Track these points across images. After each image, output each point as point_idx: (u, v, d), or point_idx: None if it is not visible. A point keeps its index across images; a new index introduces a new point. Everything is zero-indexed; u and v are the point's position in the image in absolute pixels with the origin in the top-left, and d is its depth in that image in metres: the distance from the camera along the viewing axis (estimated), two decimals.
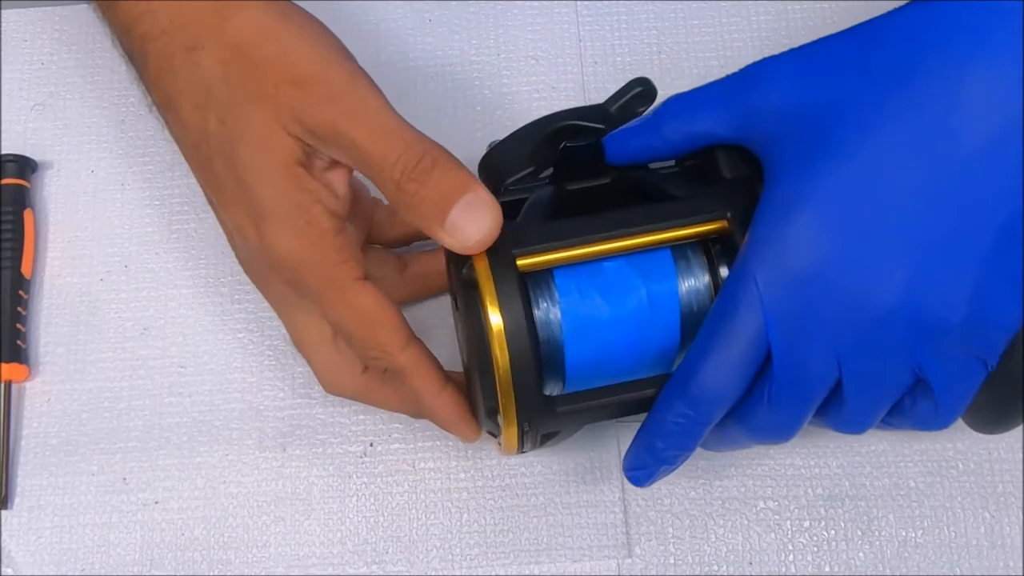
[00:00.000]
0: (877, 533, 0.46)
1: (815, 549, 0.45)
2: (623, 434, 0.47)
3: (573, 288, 0.38)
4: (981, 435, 0.46)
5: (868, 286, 0.34)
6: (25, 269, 0.49)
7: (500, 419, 0.38)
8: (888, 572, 0.45)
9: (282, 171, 0.39)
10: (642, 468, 0.39)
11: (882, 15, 0.35)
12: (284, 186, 0.39)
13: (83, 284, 0.50)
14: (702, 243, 0.39)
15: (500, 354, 0.36)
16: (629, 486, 0.46)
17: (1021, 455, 0.46)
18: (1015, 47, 0.33)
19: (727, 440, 0.39)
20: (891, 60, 0.34)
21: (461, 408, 0.42)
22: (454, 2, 0.54)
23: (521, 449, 0.40)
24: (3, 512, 0.47)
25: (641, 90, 0.41)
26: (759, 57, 0.52)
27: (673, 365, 0.40)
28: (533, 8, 0.54)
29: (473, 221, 0.36)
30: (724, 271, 0.39)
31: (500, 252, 0.37)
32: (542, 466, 0.47)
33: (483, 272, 0.37)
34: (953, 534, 0.46)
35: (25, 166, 0.51)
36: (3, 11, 0.55)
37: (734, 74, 0.38)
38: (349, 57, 0.40)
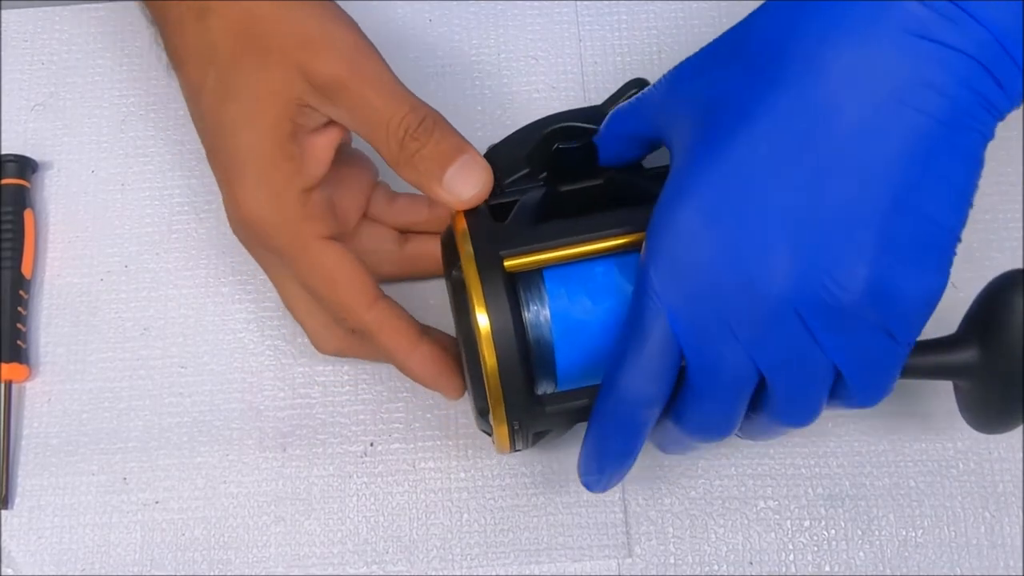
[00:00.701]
0: (877, 533, 0.46)
1: (815, 549, 0.45)
2: None
3: (562, 291, 0.38)
4: (981, 435, 0.46)
5: (757, 274, 0.33)
6: (25, 269, 0.49)
7: (491, 418, 0.38)
8: (888, 572, 0.45)
9: (266, 130, 0.40)
10: (590, 474, 0.39)
11: (753, 13, 0.36)
12: (263, 144, 0.40)
13: (83, 284, 0.50)
14: None
15: (488, 355, 0.36)
16: (629, 486, 0.46)
17: (1021, 455, 0.46)
18: (873, 18, 0.32)
19: (672, 440, 0.39)
20: (762, 46, 0.34)
21: (439, 363, 0.43)
22: (454, 2, 0.54)
23: (514, 448, 0.40)
24: (3, 512, 0.47)
25: (637, 91, 0.41)
26: None
27: None
28: (533, 8, 0.54)
29: (468, 180, 0.39)
30: None
31: (488, 254, 0.37)
32: (542, 466, 0.47)
33: (471, 274, 0.37)
34: (953, 534, 0.46)
35: (25, 166, 0.51)
36: (3, 11, 0.55)
37: (663, 79, 0.38)
38: (356, 26, 0.42)
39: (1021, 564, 0.45)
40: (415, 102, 0.40)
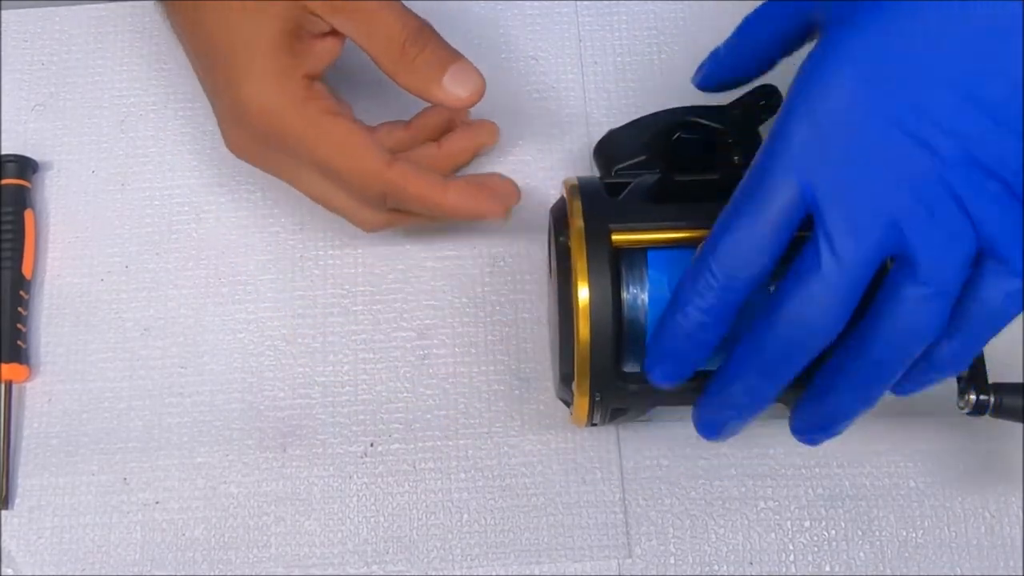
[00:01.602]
0: (877, 533, 0.46)
1: (815, 549, 0.45)
2: (624, 434, 0.47)
3: (663, 278, 0.38)
4: (980, 435, 0.46)
5: (919, 138, 0.32)
6: (25, 269, 0.49)
7: (574, 387, 0.39)
8: (888, 572, 0.45)
9: (271, 23, 0.42)
10: (667, 359, 0.36)
11: None
12: (268, 36, 0.42)
13: (83, 284, 0.50)
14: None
15: (583, 327, 0.37)
16: (629, 486, 0.46)
17: (1021, 455, 0.46)
18: None
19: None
20: None
21: (475, 190, 0.44)
22: (454, 2, 0.54)
23: (591, 421, 0.40)
24: (3, 512, 0.47)
25: (765, 102, 0.42)
26: None
27: None
28: (533, 8, 0.54)
29: (465, 82, 0.44)
30: None
31: (597, 228, 0.38)
32: (542, 466, 0.47)
33: (577, 244, 0.38)
34: (953, 534, 0.46)
35: (26, 166, 0.51)
36: (3, 11, 0.55)
37: None
38: None
39: (1021, 564, 0.45)
40: (411, 14, 0.43)
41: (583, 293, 0.38)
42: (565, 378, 0.40)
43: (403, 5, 0.43)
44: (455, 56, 0.44)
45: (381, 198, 0.44)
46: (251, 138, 0.44)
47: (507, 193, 0.46)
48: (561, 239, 0.40)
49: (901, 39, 0.33)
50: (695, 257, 0.35)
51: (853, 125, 0.33)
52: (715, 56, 0.42)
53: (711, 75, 0.42)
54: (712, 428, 0.37)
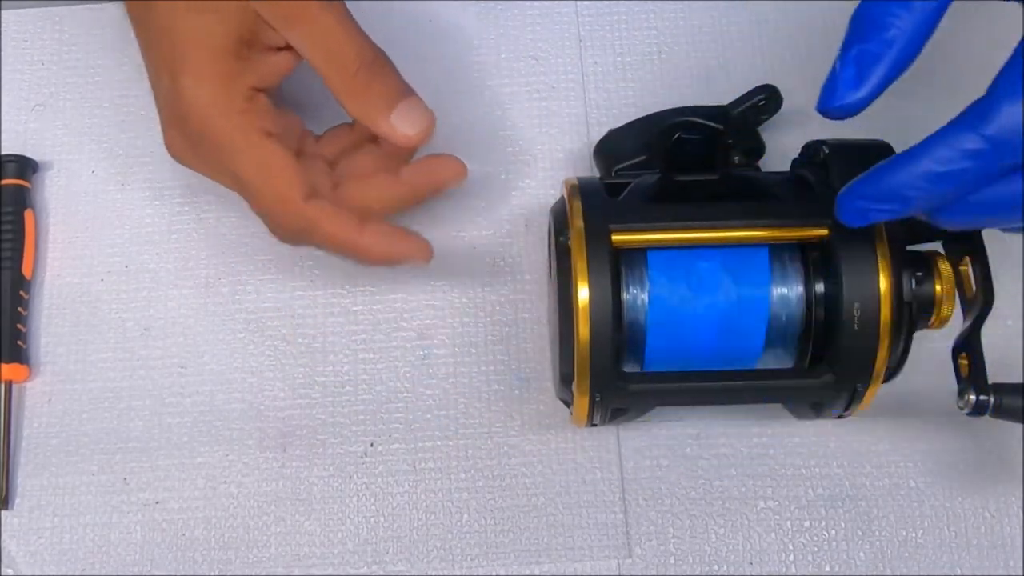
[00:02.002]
0: (877, 533, 0.46)
1: (815, 549, 0.45)
2: (624, 434, 0.47)
3: (664, 279, 0.39)
4: (980, 435, 0.46)
5: None
6: (26, 269, 0.49)
7: (574, 387, 0.39)
8: (888, 572, 0.45)
9: (223, 22, 0.41)
10: (880, 200, 0.34)
11: None
12: (218, 33, 0.41)
13: (83, 284, 0.50)
14: (801, 250, 0.39)
15: (583, 327, 0.37)
16: (629, 486, 0.46)
17: (1021, 455, 0.46)
18: None
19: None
20: None
21: (392, 235, 0.43)
22: (454, 2, 0.54)
23: (591, 421, 0.40)
24: (3, 512, 0.47)
25: (764, 99, 0.42)
26: (759, 57, 0.52)
27: (755, 364, 0.40)
28: (533, 8, 0.54)
29: (413, 120, 0.42)
30: (820, 284, 0.39)
31: (597, 228, 0.38)
32: (542, 466, 0.47)
33: (577, 244, 0.38)
34: (953, 534, 0.46)
35: (25, 166, 0.51)
36: (3, 11, 0.55)
37: None
38: None
39: (1021, 564, 0.45)
40: (368, 40, 0.42)
41: (583, 293, 0.37)
42: (565, 378, 0.40)
43: (361, 31, 0.42)
44: (406, 92, 0.43)
45: (293, 233, 0.43)
46: (185, 138, 0.43)
47: (423, 245, 0.45)
48: (561, 239, 0.40)
49: None
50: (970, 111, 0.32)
51: None
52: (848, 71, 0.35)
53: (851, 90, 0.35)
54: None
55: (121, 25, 0.54)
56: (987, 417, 0.40)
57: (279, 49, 0.43)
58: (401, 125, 0.42)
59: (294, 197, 0.42)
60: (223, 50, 0.41)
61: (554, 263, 0.42)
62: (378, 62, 0.42)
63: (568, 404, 0.42)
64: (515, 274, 0.50)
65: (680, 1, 0.54)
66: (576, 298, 0.38)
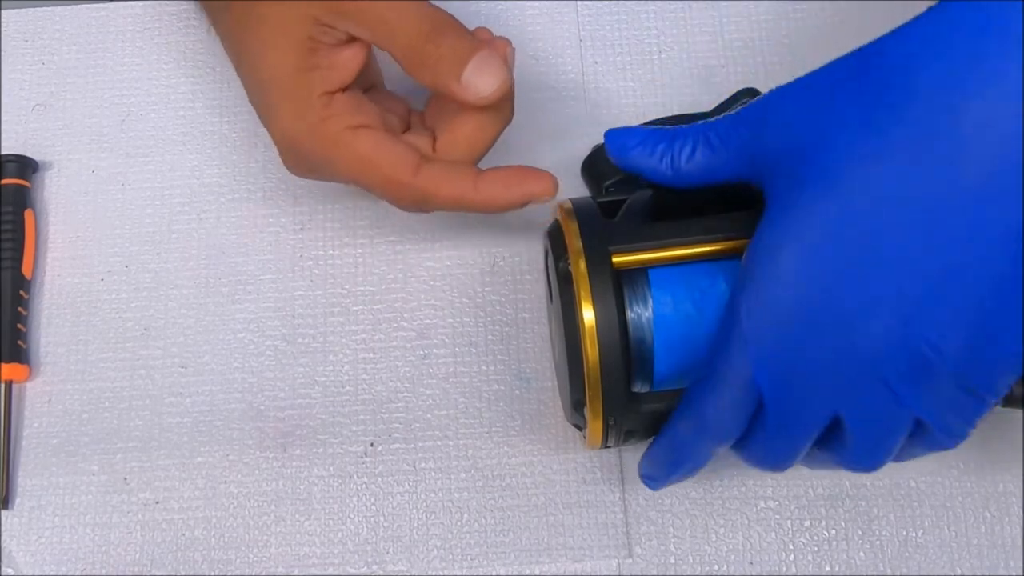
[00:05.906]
0: (877, 533, 0.46)
1: (815, 549, 0.45)
2: None
3: (667, 297, 0.38)
4: (981, 435, 0.46)
5: (856, 330, 0.32)
6: (26, 269, 0.49)
7: (587, 412, 0.39)
8: (888, 572, 0.45)
9: (287, 50, 0.41)
10: (653, 479, 0.40)
11: (880, 37, 0.33)
12: (285, 63, 0.41)
13: (83, 284, 0.50)
14: None
15: (591, 350, 0.37)
16: (629, 486, 0.46)
17: (1022, 455, 0.46)
18: (1016, 65, 0.29)
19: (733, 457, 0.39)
20: (884, 87, 0.32)
21: (512, 176, 0.43)
22: (454, 2, 0.54)
23: (605, 443, 0.40)
24: (3, 512, 0.47)
25: (748, 102, 0.41)
26: (759, 57, 0.52)
27: None
28: (533, 8, 0.54)
29: (485, 76, 0.41)
30: None
31: (597, 250, 0.38)
32: (542, 466, 0.47)
33: (579, 268, 0.38)
34: (953, 534, 0.46)
35: (26, 166, 0.51)
36: (3, 11, 0.55)
37: (745, 110, 0.36)
38: None
39: (1021, 564, 0.45)
40: (426, 7, 0.42)
41: (588, 315, 0.37)
42: (577, 404, 0.40)
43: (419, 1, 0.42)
44: (476, 47, 0.41)
45: (415, 204, 0.43)
46: (295, 164, 0.44)
47: (543, 178, 0.43)
48: (560, 264, 0.39)
49: (847, 221, 0.32)
50: (682, 400, 0.37)
51: (797, 311, 0.33)
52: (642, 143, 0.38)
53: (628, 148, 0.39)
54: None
55: (121, 25, 0.55)
56: (997, 409, 0.39)
57: (344, 43, 0.42)
58: (474, 83, 0.41)
59: (401, 177, 0.42)
60: (294, 73, 0.41)
61: (554, 288, 0.41)
62: (437, 27, 0.41)
63: (581, 428, 0.42)
64: (515, 274, 0.50)
65: (680, 1, 0.54)
66: (582, 323, 0.37)
